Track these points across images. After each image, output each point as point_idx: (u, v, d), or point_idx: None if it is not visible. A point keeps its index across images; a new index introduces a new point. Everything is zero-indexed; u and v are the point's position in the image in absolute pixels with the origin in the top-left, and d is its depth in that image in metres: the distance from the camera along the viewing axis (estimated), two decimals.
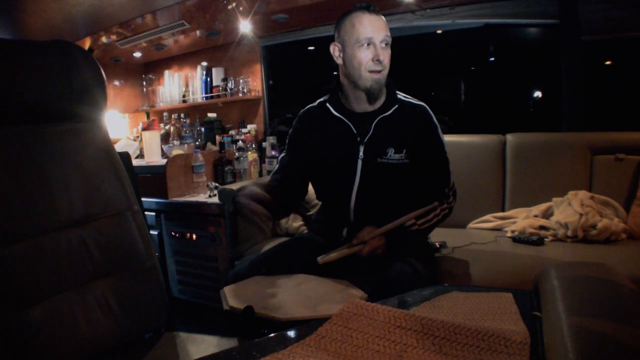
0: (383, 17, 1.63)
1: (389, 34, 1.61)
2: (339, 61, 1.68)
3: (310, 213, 2.49)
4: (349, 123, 1.68)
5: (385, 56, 1.61)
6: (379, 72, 1.60)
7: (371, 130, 1.66)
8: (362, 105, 1.69)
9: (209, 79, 3.56)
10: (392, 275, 1.46)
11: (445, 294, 0.90)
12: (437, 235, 1.98)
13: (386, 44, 1.61)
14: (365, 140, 1.66)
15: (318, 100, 1.82)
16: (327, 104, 1.73)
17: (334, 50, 1.68)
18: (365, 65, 1.60)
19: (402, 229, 1.59)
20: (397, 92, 1.73)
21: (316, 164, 1.75)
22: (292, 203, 1.91)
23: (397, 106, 1.67)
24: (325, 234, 1.77)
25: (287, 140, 1.83)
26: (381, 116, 1.66)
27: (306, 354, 0.67)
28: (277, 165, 1.84)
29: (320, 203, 1.94)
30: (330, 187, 1.78)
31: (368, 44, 1.59)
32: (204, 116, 3.54)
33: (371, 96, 1.65)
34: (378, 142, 1.65)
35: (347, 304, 0.78)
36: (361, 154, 1.66)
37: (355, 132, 1.67)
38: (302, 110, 1.84)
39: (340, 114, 1.70)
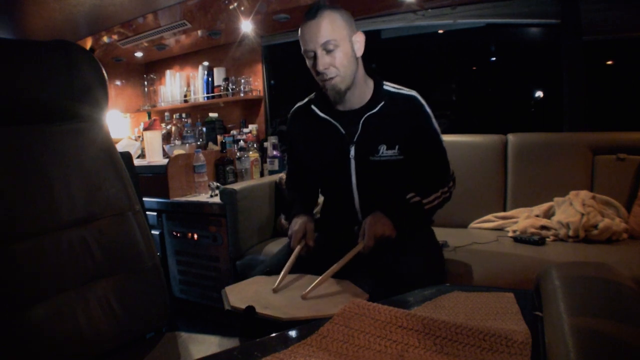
0: (328, 15, 1.51)
1: (331, 37, 1.50)
2: None
3: None
4: (336, 124, 1.66)
5: (333, 61, 1.52)
6: (326, 80, 1.56)
7: (359, 130, 1.63)
8: (345, 105, 1.65)
9: (210, 79, 3.56)
10: (393, 275, 1.46)
11: (446, 293, 0.90)
12: (438, 235, 1.97)
13: (332, 48, 1.51)
14: (355, 140, 1.63)
15: (307, 98, 1.79)
16: (312, 106, 1.72)
17: None
18: (315, 76, 1.59)
19: (404, 203, 1.59)
20: (386, 83, 1.68)
21: (312, 165, 1.76)
22: (315, 197, 1.92)
23: (383, 102, 1.63)
24: (335, 232, 1.76)
25: (285, 142, 1.85)
26: (368, 114, 1.62)
27: (307, 354, 0.67)
28: (287, 170, 1.94)
29: (320, 202, 1.94)
30: (330, 186, 1.79)
31: (310, 55, 1.55)
32: (206, 116, 3.55)
33: (335, 101, 1.63)
34: (368, 140, 1.62)
35: (348, 304, 0.78)
36: (352, 153, 1.64)
37: (343, 132, 1.65)
38: (291, 110, 1.83)
39: (327, 115, 1.68)
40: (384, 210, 1.57)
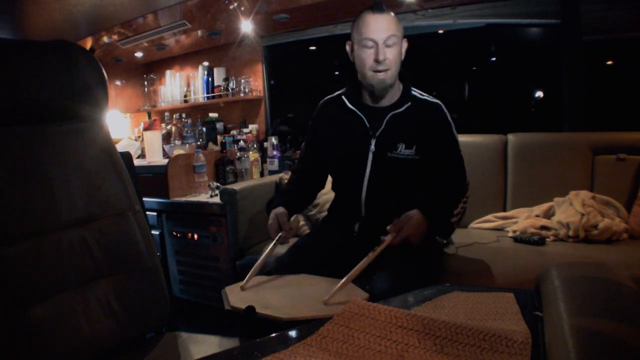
0: (392, 15, 1.63)
1: (395, 33, 1.61)
2: (352, 58, 1.72)
3: (312, 213, 2.49)
4: (362, 117, 1.72)
5: (390, 55, 1.61)
6: (381, 72, 1.62)
7: (383, 125, 1.68)
8: (375, 101, 1.73)
9: (210, 79, 3.56)
10: (392, 276, 1.47)
11: (446, 293, 0.90)
12: None
13: (393, 44, 1.61)
14: (377, 135, 1.69)
15: (337, 92, 1.85)
16: (343, 97, 1.77)
17: (348, 48, 1.72)
18: (368, 66, 1.62)
19: (446, 218, 1.63)
20: (413, 89, 1.75)
21: (330, 154, 1.79)
22: (310, 194, 1.96)
23: (409, 103, 1.69)
24: (338, 230, 1.78)
25: (307, 131, 1.87)
26: (393, 112, 1.69)
27: (307, 354, 0.67)
28: (300, 156, 1.96)
29: (320, 202, 1.95)
30: (342, 178, 1.82)
31: (371, 45, 1.60)
32: (206, 116, 3.55)
33: (374, 95, 1.69)
34: (389, 137, 1.68)
35: (348, 304, 0.78)
36: (372, 147, 1.69)
37: (367, 125, 1.71)
38: (321, 101, 1.89)
39: (355, 107, 1.73)
40: (427, 219, 1.53)
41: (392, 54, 1.61)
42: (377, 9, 1.62)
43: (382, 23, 1.60)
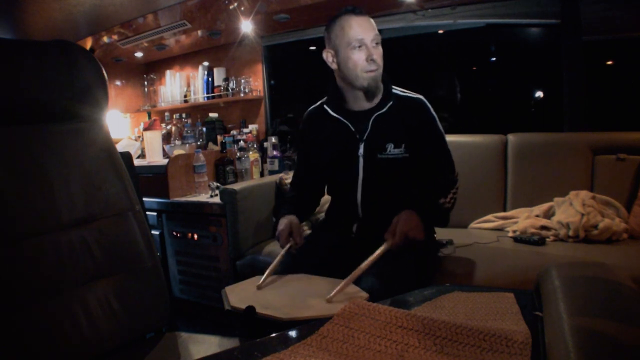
0: (370, 17, 1.65)
1: (377, 32, 1.64)
2: (334, 66, 1.71)
3: None
4: (347, 123, 1.72)
5: (378, 54, 1.63)
6: (373, 70, 1.63)
7: (369, 128, 1.69)
8: (359, 104, 1.73)
9: (210, 79, 3.56)
10: (391, 275, 1.47)
11: (446, 293, 0.90)
12: (439, 234, 1.98)
13: (377, 43, 1.63)
14: (364, 138, 1.69)
15: (320, 101, 1.85)
16: (325, 106, 1.78)
17: (327, 56, 1.71)
18: (360, 66, 1.62)
19: (438, 207, 1.63)
20: (394, 87, 1.75)
21: (322, 164, 1.80)
22: (313, 201, 1.96)
23: (392, 102, 1.70)
24: (336, 231, 1.79)
25: (297, 143, 1.88)
26: (377, 113, 1.69)
27: (307, 354, 0.67)
28: (295, 169, 1.98)
29: (321, 202, 1.96)
30: (336, 185, 1.83)
31: (360, 46, 1.61)
32: (206, 116, 3.55)
33: (369, 93, 1.68)
34: (377, 138, 1.68)
35: (348, 304, 0.78)
36: (361, 151, 1.69)
37: (353, 130, 1.71)
38: (305, 113, 1.89)
39: (339, 115, 1.74)
40: (417, 211, 1.54)
41: (379, 53, 1.64)
42: (358, 11, 1.63)
43: (367, 23, 1.63)
